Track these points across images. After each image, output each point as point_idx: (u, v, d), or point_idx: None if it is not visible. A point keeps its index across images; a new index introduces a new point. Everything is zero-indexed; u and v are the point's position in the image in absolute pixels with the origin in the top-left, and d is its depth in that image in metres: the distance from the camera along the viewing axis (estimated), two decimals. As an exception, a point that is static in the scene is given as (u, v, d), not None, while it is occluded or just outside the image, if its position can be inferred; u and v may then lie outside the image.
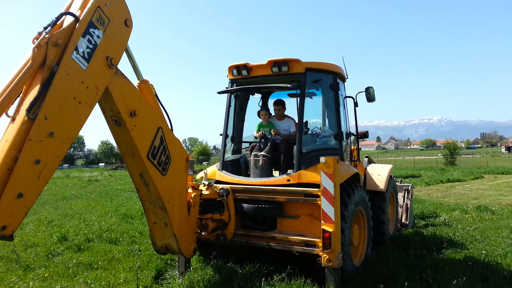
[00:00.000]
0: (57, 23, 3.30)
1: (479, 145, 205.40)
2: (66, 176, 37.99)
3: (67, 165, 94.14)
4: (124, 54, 4.05)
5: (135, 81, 4.48)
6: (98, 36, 3.49)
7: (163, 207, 4.48)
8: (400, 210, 9.15)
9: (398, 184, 9.57)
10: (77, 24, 3.33)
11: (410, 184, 9.80)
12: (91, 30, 3.43)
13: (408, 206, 9.22)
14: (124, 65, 4.25)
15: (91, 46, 3.43)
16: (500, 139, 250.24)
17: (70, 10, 3.45)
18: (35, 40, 3.19)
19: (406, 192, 9.47)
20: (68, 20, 3.36)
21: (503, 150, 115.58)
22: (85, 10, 3.40)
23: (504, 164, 39.30)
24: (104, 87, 3.62)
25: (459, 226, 8.83)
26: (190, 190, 5.23)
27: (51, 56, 3.15)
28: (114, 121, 3.94)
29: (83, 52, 3.36)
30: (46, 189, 23.05)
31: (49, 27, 3.22)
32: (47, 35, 3.16)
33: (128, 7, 3.88)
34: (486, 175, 26.38)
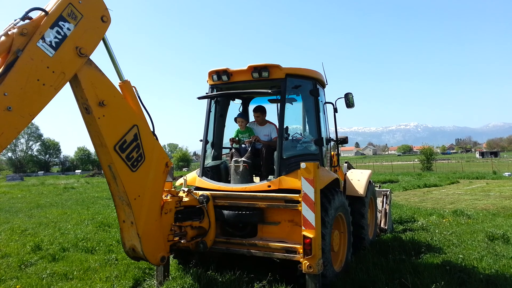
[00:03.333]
0: (31, 17, 3.65)
1: (454, 151, 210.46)
2: (41, 184, 37.03)
3: (42, 172, 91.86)
4: (108, 56, 4.50)
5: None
6: (68, 29, 3.86)
7: (129, 203, 4.52)
8: (379, 215, 9.23)
9: (377, 189, 9.67)
10: (46, 17, 3.70)
11: (389, 189, 9.92)
12: (61, 23, 3.80)
13: (387, 211, 9.32)
14: (109, 68, 4.38)
15: (59, 37, 3.79)
16: (474, 144, 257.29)
17: (47, 8, 3.80)
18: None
19: (384, 197, 9.57)
20: (39, 14, 3.75)
21: (477, 155, 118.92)
22: (55, 5, 3.78)
23: (478, 169, 40.35)
24: (72, 74, 3.95)
25: (437, 231, 8.97)
26: (167, 197, 5.15)
27: (17, 44, 3.51)
28: (85, 109, 4.20)
29: (51, 42, 3.73)
30: (19, 197, 22.42)
31: (18, 19, 3.58)
32: (15, 26, 3.54)
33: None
34: (461, 180, 27.00)
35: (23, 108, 3.55)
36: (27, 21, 3.64)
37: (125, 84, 4.69)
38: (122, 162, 4.42)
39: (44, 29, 3.68)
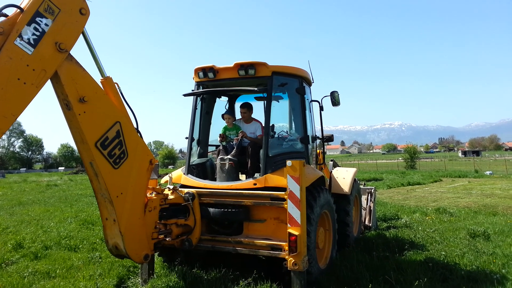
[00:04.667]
0: (6, 14, 3.57)
1: (437, 150, 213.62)
2: (24, 181, 36.39)
3: (25, 169, 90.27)
4: (89, 52, 4.42)
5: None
6: (46, 24, 3.78)
7: (111, 201, 4.50)
8: (363, 212, 9.33)
9: (361, 187, 9.76)
10: (22, 14, 3.61)
11: (373, 187, 10.02)
12: (38, 19, 3.71)
13: (371, 208, 9.42)
14: (90, 65, 4.46)
15: (37, 33, 3.72)
16: (457, 143, 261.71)
17: (22, 4, 3.69)
18: None
19: (369, 195, 9.67)
20: (15, 11, 3.65)
21: (460, 154, 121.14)
22: (31, 1, 3.67)
23: (460, 168, 41.08)
24: (53, 70, 3.89)
25: (420, 228, 9.10)
26: (152, 195, 5.11)
27: None
28: (65, 105, 4.14)
29: (28, 39, 3.65)
30: (0, 194, 21.96)
31: None
32: None
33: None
34: (444, 178, 27.47)
35: (5, 109, 3.49)
36: (2, 18, 3.55)
37: (107, 80, 4.62)
38: (103, 159, 4.38)
39: (21, 26, 3.59)
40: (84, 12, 4.09)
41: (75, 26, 4.05)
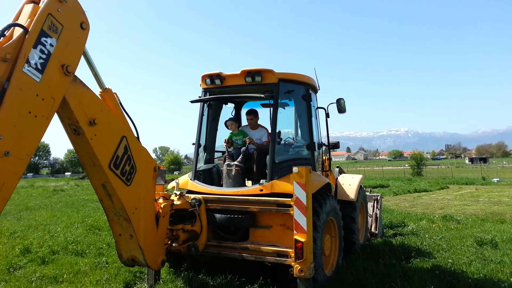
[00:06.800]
0: (5, 35, 3.12)
1: (444, 156, 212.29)
2: (30, 186, 36.66)
3: (32, 174, 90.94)
4: (85, 63, 3.98)
5: (97, 90, 4.35)
6: (51, 45, 3.33)
7: (128, 218, 4.34)
8: (369, 219, 9.29)
9: (367, 194, 9.73)
10: (27, 35, 3.13)
11: (379, 194, 9.98)
12: (43, 39, 3.25)
13: (378, 215, 9.38)
14: (86, 74, 4.13)
15: (44, 56, 3.27)
16: (464, 150, 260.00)
17: (19, 21, 3.26)
18: None
19: (375, 202, 9.63)
20: (17, 31, 3.13)
21: (467, 161, 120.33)
22: (35, 19, 3.20)
23: (467, 175, 40.78)
24: (61, 97, 3.48)
25: (426, 236, 9.05)
26: (160, 200, 5.14)
27: (1, 73, 2.97)
28: (73, 130, 3.79)
29: (36, 64, 3.19)
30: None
31: None
32: None
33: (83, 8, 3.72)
34: (451, 186, 27.27)
35: (19, 149, 3.06)
36: (1, 38, 3.08)
37: (106, 92, 4.37)
38: (117, 179, 4.17)
39: (28, 50, 3.11)
40: (84, 27, 3.68)
41: (78, 43, 3.64)
